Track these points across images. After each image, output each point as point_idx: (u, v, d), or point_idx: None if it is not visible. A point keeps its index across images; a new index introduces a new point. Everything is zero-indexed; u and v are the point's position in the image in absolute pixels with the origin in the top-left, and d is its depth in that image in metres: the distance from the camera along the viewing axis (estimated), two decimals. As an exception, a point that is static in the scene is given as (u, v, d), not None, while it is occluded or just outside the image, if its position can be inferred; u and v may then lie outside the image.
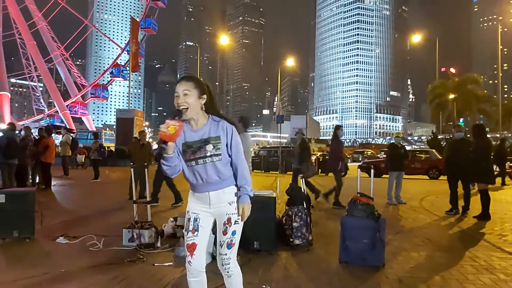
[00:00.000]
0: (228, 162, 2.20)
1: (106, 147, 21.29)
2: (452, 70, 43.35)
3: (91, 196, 9.63)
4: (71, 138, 15.47)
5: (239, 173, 2.21)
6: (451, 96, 37.10)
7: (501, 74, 41.53)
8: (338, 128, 8.30)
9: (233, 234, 2.18)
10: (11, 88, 71.53)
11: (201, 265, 2.17)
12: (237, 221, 2.19)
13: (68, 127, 34.55)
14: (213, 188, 2.16)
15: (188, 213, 2.22)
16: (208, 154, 2.11)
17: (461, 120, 40.42)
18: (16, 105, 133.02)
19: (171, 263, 3.78)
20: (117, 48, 50.31)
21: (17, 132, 10.39)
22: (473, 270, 3.72)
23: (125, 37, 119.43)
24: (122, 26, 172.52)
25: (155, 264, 3.73)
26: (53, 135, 10.79)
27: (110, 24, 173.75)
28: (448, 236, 5.51)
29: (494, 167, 14.26)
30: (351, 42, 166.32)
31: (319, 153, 24.64)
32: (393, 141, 9.34)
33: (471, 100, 36.83)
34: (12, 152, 8.08)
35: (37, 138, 10.31)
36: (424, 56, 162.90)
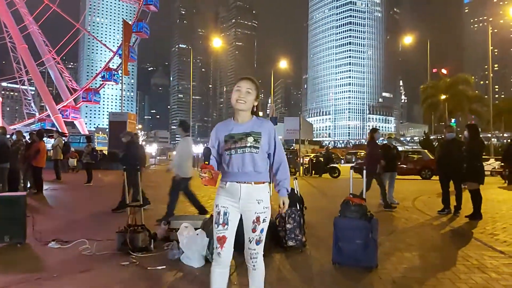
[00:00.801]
0: (265, 158, 2.36)
1: (98, 151, 21.15)
2: (444, 71, 43.88)
3: (84, 200, 9.55)
4: (63, 141, 15.35)
5: (282, 166, 2.41)
6: (443, 96, 37.48)
7: (491, 75, 41.92)
8: (374, 131, 8.37)
9: (261, 232, 2.33)
10: (2, 92, 70.90)
11: (229, 257, 2.34)
12: (265, 220, 2.33)
13: (60, 130, 34.25)
14: (246, 178, 2.29)
15: (218, 207, 2.34)
16: (248, 144, 2.28)
17: (453, 120, 40.80)
18: (8, 109, 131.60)
19: (164, 266, 3.76)
20: (109, 51, 50.05)
21: (8, 136, 10.29)
22: (465, 269, 3.76)
23: (118, 40, 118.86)
24: (114, 29, 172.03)
25: (149, 268, 3.71)
26: (45, 139, 10.70)
27: (102, 27, 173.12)
28: (440, 236, 5.55)
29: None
30: (343, 44, 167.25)
31: (312, 155, 24.73)
32: (386, 142, 9.39)
33: (463, 101, 37.24)
34: (3, 156, 8.01)
35: (28, 142, 10.21)
36: (416, 57, 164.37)
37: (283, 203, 2.40)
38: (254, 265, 2.35)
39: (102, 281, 3.36)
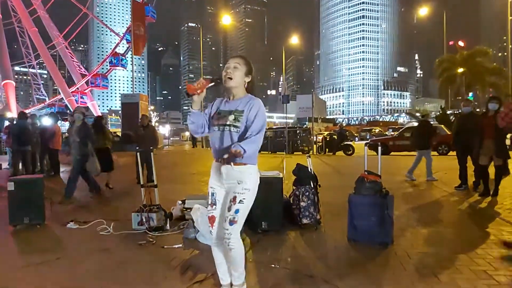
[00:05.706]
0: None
1: (112, 133, 21.34)
2: (460, 43, 42.40)
3: (99, 181, 9.68)
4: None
5: (250, 139, 2.14)
6: (460, 69, 36.42)
7: (510, 46, 40.43)
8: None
9: (236, 213, 2.24)
10: (16, 76, 71.56)
11: (221, 235, 2.31)
12: (242, 201, 2.26)
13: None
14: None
15: (208, 188, 2.41)
16: (228, 122, 2.23)
17: (470, 94, 39.72)
18: (22, 93, 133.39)
19: (181, 245, 3.81)
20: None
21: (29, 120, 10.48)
22: (483, 244, 3.70)
23: (127, 20, 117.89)
24: (123, 10, 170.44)
25: (165, 247, 3.77)
26: (59, 122, 10.85)
27: (110, 8, 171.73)
28: (457, 211, 5.48)
29: None
30: (356, 17, 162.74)
31: (326, 133, 24.51)
32: (425, 118, 9.18)
33: (481, 74, 36.13)
34: (25, 139, 8.37)
35: (43, 125, 10.36)
36: (432, 29, 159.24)
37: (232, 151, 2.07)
38: (228, 246, 2.24)
39: (120, 260, 3.42)
